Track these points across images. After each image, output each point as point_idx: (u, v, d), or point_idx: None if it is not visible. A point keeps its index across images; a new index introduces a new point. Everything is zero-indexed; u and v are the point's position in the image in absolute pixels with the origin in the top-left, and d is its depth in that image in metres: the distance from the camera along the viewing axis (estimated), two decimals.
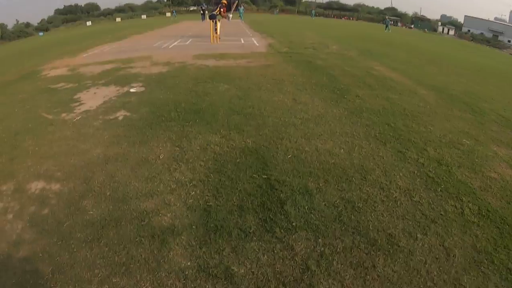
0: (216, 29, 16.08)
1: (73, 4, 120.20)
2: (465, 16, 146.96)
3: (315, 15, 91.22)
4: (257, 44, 14.44)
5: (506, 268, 2.56)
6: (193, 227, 2.78)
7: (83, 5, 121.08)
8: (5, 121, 6.33)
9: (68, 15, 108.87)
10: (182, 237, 2.69)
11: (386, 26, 41.78)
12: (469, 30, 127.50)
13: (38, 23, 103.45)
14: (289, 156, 3.89)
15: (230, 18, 17.64)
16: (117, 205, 3.16)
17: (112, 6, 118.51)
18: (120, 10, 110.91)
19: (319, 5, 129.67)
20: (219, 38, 15.92)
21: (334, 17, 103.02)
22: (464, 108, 7.27)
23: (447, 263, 2.53)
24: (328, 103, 6.03)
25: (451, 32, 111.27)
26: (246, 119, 5.02)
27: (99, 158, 4.10)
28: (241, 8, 42.00)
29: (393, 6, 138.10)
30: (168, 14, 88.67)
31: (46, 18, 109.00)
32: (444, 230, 2.89)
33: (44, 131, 5.28)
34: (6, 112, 7.02)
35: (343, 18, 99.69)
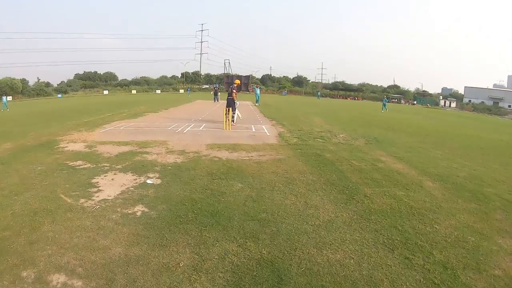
0: (232, 116, 17.16)
1: (92, 71, 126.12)
2: (465, 87, 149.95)
3: (321, 96, 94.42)
4: (268, 134, 15.07)
5: None
6: None
7: (101, 73, 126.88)
8: (24, 195, 6.61)
9: (87, 81, 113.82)
10: None
11: (384, 106, 43.01)
12: (470, 100, 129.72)
13: (58, 84, 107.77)
14: (302, 269, 4.09)
15: (238, 105, 18.45)
16: None
17: (129, 77, 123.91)
18: (136, 82, 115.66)
19: (325, 86, 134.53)
20: (231, 124, 16.76)
21: (339, 97, 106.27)
22: (468, 197, 7.51)
23: None
24: (338, 206, 6.30)
25: (453, 105, 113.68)
26: (261, 226, 5.26)
27: (120, 258, 4.26)
28: (258, 90, 40.32)
29: (396, 83, 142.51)
30: (182, 91, 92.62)
31: (66, 80, 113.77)
32: None
33: (63, 216, 5.49)
34: (25, 184, 7.33)
35: (348, 99, 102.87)
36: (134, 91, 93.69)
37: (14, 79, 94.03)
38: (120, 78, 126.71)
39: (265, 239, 4.81)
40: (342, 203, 6.47)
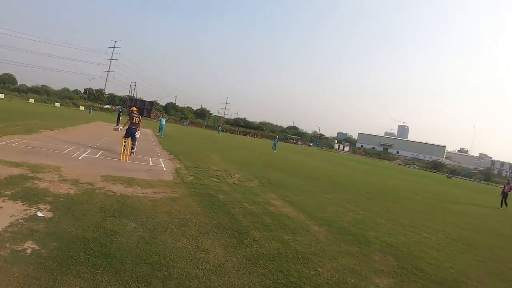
0: (132, 148, 16.72)
1: None
2: (358, 133, 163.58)
3: (222, 131, 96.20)
4: (165, 169, 14.88)
5: None
6: None
7: (0, 74, 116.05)
8: None
9: None
10: None
11: (274, 145, 45.10)
12: (362, 145, 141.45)
13: None
14: None
15: (139, 134, 17.74)
16: None
17: (29, 83, 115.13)
18: (35, 90, 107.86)
19: (227, 121, 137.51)
20: (129, 155, 16.30)
21: (240, 133, 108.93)
22: (351, 241, 8.28)
23: None
24: (228, 250, 6.47)
25: (346, 148, 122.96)
26: (152, 270, 5.19)
27: None
28: (164, 120, 37.67)
29: (295, 125, 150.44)
30: (82, 108, 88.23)
31: None
32: None
33: None
34: None
35: (248, 135, 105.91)
36: (32, 100, 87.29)
37: None
38: (19, 82, 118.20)
39: (156, 283, 4.78)
40: (232, 247, 6.66)
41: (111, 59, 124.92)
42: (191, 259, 5.86)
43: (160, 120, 37.92)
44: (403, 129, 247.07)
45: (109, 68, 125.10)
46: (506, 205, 24.35)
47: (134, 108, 18.34)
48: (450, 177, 75.06)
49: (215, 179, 14.04)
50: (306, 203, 11.99)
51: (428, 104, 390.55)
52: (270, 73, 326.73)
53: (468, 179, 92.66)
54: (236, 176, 15.85)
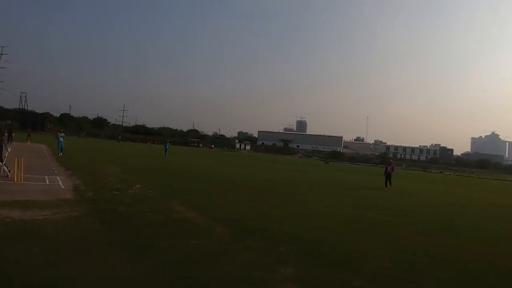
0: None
1: None
2: (258, 131, 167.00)
3: (122, 140, 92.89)
4: (63, 187, 14.01)
5: None
6: None
7: None
8: None
9: None
10: None
11: (166, 151, 41.28)
12: (263, 143, 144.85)
13: None
14: None
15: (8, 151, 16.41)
16: None
17: None
18: None
19: (127, 129, 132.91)
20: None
21: (140, 141, 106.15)
22: (255, 236, 8.67)
23: None
24: (134, 264, 6.34)
25: (248, 147, 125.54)
26: None
27: None
28: (61, 136, 30.72)
29: (195, 128, 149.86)
30: None
31: None
32: None
33: None
34: None
35: (148, 142, 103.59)
36: None
37: None
38: None
39: None
40: (138, 260, 6.56)
41: None
42: (99, 276, 5.72)
43: (58, 136, 30.96)
44: (302, 124, 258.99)
45: None
46: (391, 184, 26.83)
47: None
48: (327, 163, 79.91)
49: (116, 192, 13.65)
50: (209, 205, 12.23)
51: (324, 98, 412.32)
52: (166, 77, 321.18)
53: (366, 164, 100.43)
54: (137, 186, 15.54)
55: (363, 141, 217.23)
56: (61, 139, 30.29)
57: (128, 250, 7.16)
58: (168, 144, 42.90)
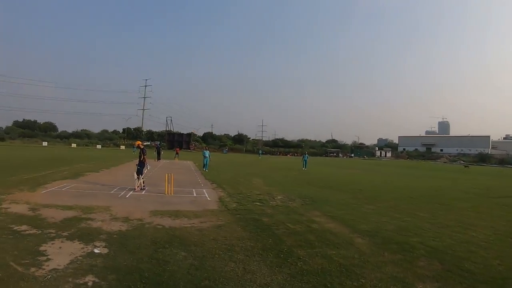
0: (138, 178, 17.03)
1: (32, 119, 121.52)
2: (399, 136, 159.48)
3: (262, 153, 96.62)
4: (209, 198, 15.42)
5: None
6: None
7: (41, 123, 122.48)
8: None
9: (26, 129, 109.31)
10: None
11: (305, 162, 40.95)
12: (404, 149, 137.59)
13: None
14: None
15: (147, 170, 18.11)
16: None
17: (69, 129, 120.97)
18: (76, 135, 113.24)
19: (266, 143, 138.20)
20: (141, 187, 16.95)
21: (280, 154, 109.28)
22: (395, 249, 8.34)
23: None
24: (273, 269, 6.78)
25: (388, 154, 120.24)
26: None
27: None
28: (207, 153, 33.27)
29: (334, 138, 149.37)
30: (123, 147, 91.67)
31: (3, 127, 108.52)
32: None
33: (17, 286, 5.52)
34: None
35: (288, 155, 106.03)
36: (74, 145, 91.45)
37: None
38: (60, 129, 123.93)
39: None
40: (277, 267, 6.94)
41: (144, 98, 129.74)
42: (239, 280, 6.21)
43: (203, 152, 32.93)
44: (444, 125, 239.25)
45: (144, 106, 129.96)
46: None
47: (139, 142, 19.16)
48: (467, 166, 71.74)
49: (258, 203, 14.40)
50: (349, 216, 12.08)
51: (465, 96, 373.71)
52: (302, 90, 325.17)
53: None
54: (279, 197, 16.15)
55: None
56: (207, 154, 32.16)
57: (268, 257, 7.56)
58: (306, 155, 42.90)
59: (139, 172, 17.25)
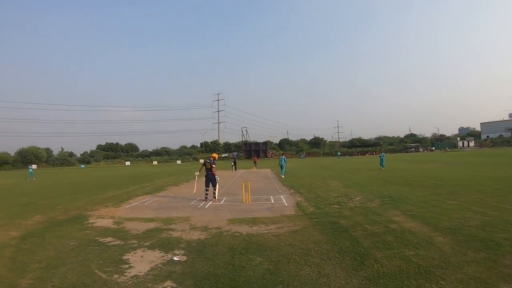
0: (214, 192, 17.37)
1: (114, 142, 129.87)
2: (481, 123, 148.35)
3: (340, 155, 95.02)
4: (286, 204, 15.51)
5: None
6: None
7: (123, 144, 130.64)
8: (60, 269, 7.27)
9: (109, 152, 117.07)
10: None
11: (382, 161, 39.15)
12: (487, 136, 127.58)
13: (81, 155, 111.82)
14: None
15: (218, 180, 18.10)
16: None
17: (150, 148, 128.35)
18: (157, 153, 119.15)
19: (343, 144, 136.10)
20: (214, 200, 17.15)
21: (358, 154, 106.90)
22: (478, 247, 7.79)
23: None
24: (349, 273, 6.65)
25: (471, 144, 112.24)
26: None
27: None
28: (283, 159, 32.78)
29: (412, 132, 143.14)
30: (202, 161, 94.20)
31: (88, 151, 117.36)
32: None
33: None
34: (61, 259, 8.02)
35: (366, 154, 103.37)
36: (155, 162, 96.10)
37: (39, 148, 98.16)
38: (141, 149, 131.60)
39: None
40: (353, 270, 6.81)
41: (218, 111, 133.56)
42: (313, 284, 6.20)
43: (280, 159, 32.79)
44: None
45: (218, 119, 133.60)
46: None
47: (214, 155, 18.92)
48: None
49: (336, 206, 14.20)
50: (430, 214, 11.46)
51: None
52: (374, 82, 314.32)
53: None
54: (357, 199, 15.81)
55: None
56: (283, 162, 31.88)
57: (344, 260, 7.44)
58: (383, 153, 40.97)
59: (214, 184, 17.51)
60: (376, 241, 8.79)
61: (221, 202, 16.72)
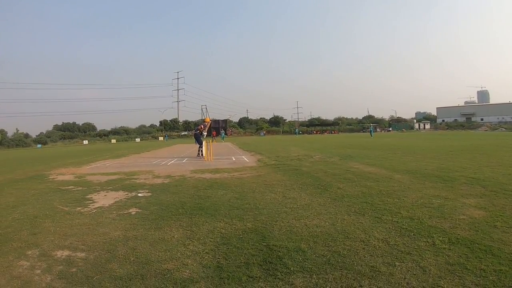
0: (201, 150, 18.15)
1: (71, 122, 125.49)
2: (437, 108, 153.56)
3: (299, 133, 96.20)
4: (248, 160, 15.82)
5: (480, 269, 3.25)
6: (209, 277, 3.35)
7: (80, 124, 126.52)
8: (20, 207, 7.09)
9: (66, 132, 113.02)
10: (201, 283, 3.24)
11: (371, 132, 43.16)
12: (443, 120, 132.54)
13: (36, 136, 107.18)
14: (283, 231, 4.64)
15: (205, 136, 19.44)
16: (141, 266, 3.68)
17: (108, 127, 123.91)
18: (115, 132, 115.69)
19: (302, 123, 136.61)
20: (211, 158, 17.33)
21: (316, 132, 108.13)
22: (435, 180, 8.29)
23: (424, 275, 3.17)
24: (313, 196, 6.93)
25: (427, 126, 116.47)
26: (244, 212, 5.84)
27: (119, 237, 4.69)
28: (223, 133, 48.04)
29: (370, 114, 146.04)
30: (161, 138, 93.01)
31: (45, 132, 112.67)
32: (419, 257, 3.56)
33: (63, 218, 5.93)
34: (20, 201, 7.79)
35: (325, 133, 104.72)
36: (114, 141, 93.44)
37: None
38: (99, 128, 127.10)
39: (248, 218, 5.37)
40: (317, 194, 7.11)
41: (177, 90, 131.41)
42: (279, 204, 6.42)
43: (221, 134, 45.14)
44: (483, 95, 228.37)
45: (178, 97, 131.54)
46: None
47: (207, 119, 20.79)
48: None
49: (296, 160, 14.56)
50: (388, 164, 11.98)
51: (503, 62, 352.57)
52: (334, 66, 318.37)
53: None
54: (317, 156, 16.20)
55: None
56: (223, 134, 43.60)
57: (308, 189, 7.74)
58: (372, 126, 45.23)
59: (200, 142, 18.92)
60: (337, 178, 9.13)
61: (183, 161, 16.88)
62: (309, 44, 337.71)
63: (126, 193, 8.31)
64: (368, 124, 66.71)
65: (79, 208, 6.72)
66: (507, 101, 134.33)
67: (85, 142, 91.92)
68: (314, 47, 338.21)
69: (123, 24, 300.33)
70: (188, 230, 4.88)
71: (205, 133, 19.11)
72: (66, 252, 4.23)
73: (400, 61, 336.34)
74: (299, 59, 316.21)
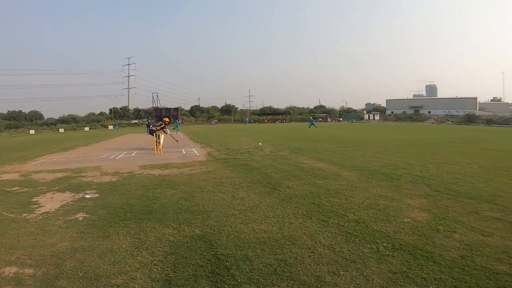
0: (158, 142, 17.29)
1: (17, 110, 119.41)
2: (386, 100, 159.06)
3: (249, 122, 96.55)
4: (197, 154, 15.73)
5: (421, 277, 3.43)
6: None
7: (26, 113, 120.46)
8: None
9: (12, 121, 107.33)
10: None
11: (311, 124, 44.17)
12: (392, 112, 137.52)
13: None
14: (231, 238, 4.69)
15: (169, 133, 19.14)
16: (90, 282, 3.62)
17: (56, 116, 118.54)
18: (63, 120, 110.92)
19: (254, 112, 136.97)
20: (161, 150, 16.98)
21: (268, 121, 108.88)
22: (382, 178, 8.61)
23: (367, 285, 3.33)
24: (262, 196, 7.04)
25: (377, 117, 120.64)
26: (193, 215, 5.84)
27: (67, 249, 4.56)
28: (178, 121, 47.51)
29: (321, 104, 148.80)
30: (111, 127, 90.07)
31: None
32: (363, 265, 3.73)
33: (8, 227, 5.64)
34: None
35: (277, 122, 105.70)
36: (61, 130, 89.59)
37: None
38: (46, 117, 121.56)
39: (197, 223, 5.38)
40: (265, 194, 7.21)
41: (128, 76, 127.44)
42: (228, 205, 6.47)
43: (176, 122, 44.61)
44: (432, 89, 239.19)
45: (128, 85, 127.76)
46: None
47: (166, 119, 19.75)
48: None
49: (246, 154, 14.64)
50: (336, 158, 12.36)
51: (451, 58, 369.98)
52: (287, 57, 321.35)
53: (505, 126, 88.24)
54: (267, 149, 16.38)
55: (500, 101, 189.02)
56: (178, 123, 45.10)
57: (257, 188, 7.83)
58: (313, 120, 47.28)
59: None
60: (286, 175, 9.30)
61: (133, 155, 16.51)
62: (260, 36, 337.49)
63: (73, 194, 8.02)
64: (311, 117, 67.89)
65: (24, 215, 6.40)
66: (454, 96, 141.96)
67: (32, 131, 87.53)
68: (266, 39, 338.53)
69: (72, 8, 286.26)
70: (136, 238, 4.83)
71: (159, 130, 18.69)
72: (13, 269, 4.05)
73: (347, 55, 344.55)
74: (251, 50, 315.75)
